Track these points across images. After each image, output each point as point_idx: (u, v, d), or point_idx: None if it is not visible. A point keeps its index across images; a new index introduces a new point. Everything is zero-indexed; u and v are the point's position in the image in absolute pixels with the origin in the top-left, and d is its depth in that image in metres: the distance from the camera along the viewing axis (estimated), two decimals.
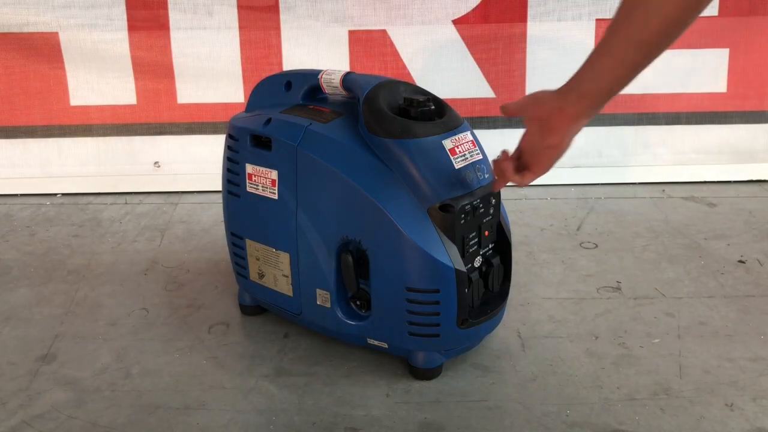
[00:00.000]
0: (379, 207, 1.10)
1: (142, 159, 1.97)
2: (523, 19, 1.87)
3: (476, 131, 1.20)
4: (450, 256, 1.10)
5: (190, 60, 1.89)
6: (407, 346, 1.17)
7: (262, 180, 1.22)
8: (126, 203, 1.91)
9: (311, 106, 1.24)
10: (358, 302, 1.19)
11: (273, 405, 1.14)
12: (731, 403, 1.12)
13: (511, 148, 1.06)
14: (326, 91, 1.25)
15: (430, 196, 1.10)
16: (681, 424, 1.09)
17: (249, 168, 1.24)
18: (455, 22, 1.87)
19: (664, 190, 1.93)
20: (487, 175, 1.15)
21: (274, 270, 1.26)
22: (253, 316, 1.37)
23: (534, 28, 1.88)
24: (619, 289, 1.46)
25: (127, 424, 1.11)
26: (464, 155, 1.14)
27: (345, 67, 1.89)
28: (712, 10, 1.86)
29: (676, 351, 1.25)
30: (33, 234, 1.74)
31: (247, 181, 1.24)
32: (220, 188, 1.32)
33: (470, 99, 1.92)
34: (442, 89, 1.31)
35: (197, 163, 1.96)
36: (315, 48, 1.89)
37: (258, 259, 1.28)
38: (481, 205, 1.13)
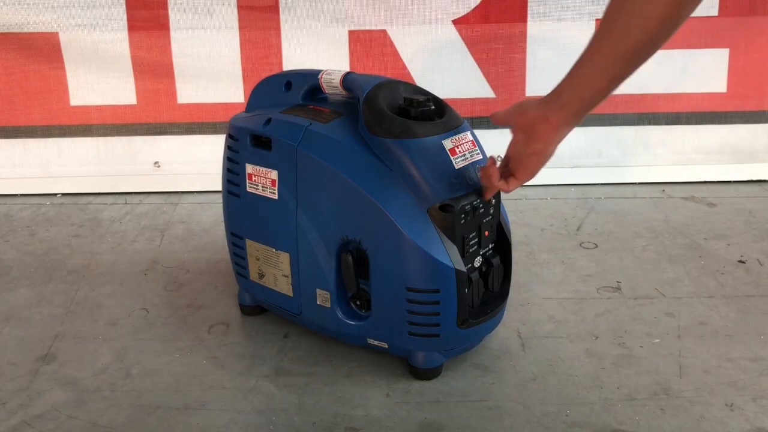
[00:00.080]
0: (379, 207, 1.10)
1: (142, 159, 1.97)
2: (523, 19, 1.87)
3: (476, 131, 1.20)
4: (450, 256, 1.10)
5: (190, 60, 1.89)
6: (407, 346, 1.17)
7: (262, 180, 1.22)
8: (126, 203, 1.91)
9: (311, 106, 1.24)
10: (358, 302, 1.19)
11: (273, 405, 1.14)
12: (731, 403, 1.12)
13: None
14: (326, 91, 1.25)
15: (430, 196, 1.10)
16: (681, 424, 1.09)
17: (249, 168, 1.24)
18: (455, 22, 1.87)
19: (664, 190, 1.93)
20: None
21: (274, 270, 1.26)
22: (253, 316, 1.37)
23: (534, 28, 1.88)
24: (619, 289, 1.46)
25: (127, 424, 1.11)
26: (464, 155, 1.14)
27: (345, 67, 1.89)
28: (712, 10, 1.86)
29: (676, 351, 1.25)
30: (33, 234, 1.74)
31: (247, 181, 1.24)
32: (220, 188, 1.32)
33: (470, 99, 1.92)
34: (442, 89, 1.30)
35: (197, 163, 1.96)
36: (315, 48, 1.89)
37: (258, 259, 1.28)
38: (481, 205, 1.13)
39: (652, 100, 1.94)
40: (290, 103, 1.26)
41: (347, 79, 1.20)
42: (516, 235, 1.45)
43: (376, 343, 1.19)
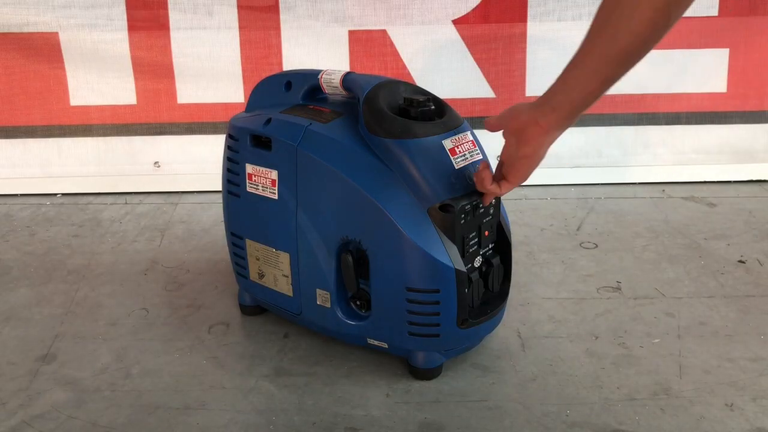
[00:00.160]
0: (379, 207, 1.10)
1: (142, 159, 1.97)
2: (523, 19, 1.87)
3: (476, 131, 1.20)
4: (450, 256, 1.10)
5: (190, 60, 1.89)
6: (407, 346, 1.17)
7: (262, 180, 1.22)
8: (126, 203, 1.91)
9: (311, 106, 1.24)
10: (358, 302, 1.19)
11: (273, 405, 1.14)
12: (731, 403, 1.12)
13: None
14: (326, 91, 1.25)
15: (430, 196, 1.10)
16: (681, 424, 1.09)
17: (249, 168, 1.24)
18: (455, 22, 1.87)
19: (664, 190, 1.93)
20: None
21: (274, 270, 1.26)
22: (253, 316, 1.37)
23: (534, 28, 1.88)
24: (619, 289, 1.46)
25: (127, 424, 1.11)
26: (464, 155, 1.14)
27: (345, 67, 1.89)
28: (712, 10, 1.86)
29: (676, 351, 1.25)
30: (33, 234, 1.74)
31: (247, 181, 1.24)
32: (220, 188, 1.32)
33: (470, 99, 1.92)
34: (442, 89, 1.30)
35: (197, 163, 1.96)
36: (315, 48, 1.89)
37: (258, 259, 1.28)
38: (481, 205, 1.13)
39: (652, 100, 1.94)
40: (290, 103, 1.26)
41: (347, 79, 1.20)
42: (516, 235, 1.45)
43: (376, 343, 1.19)
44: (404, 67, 1.89)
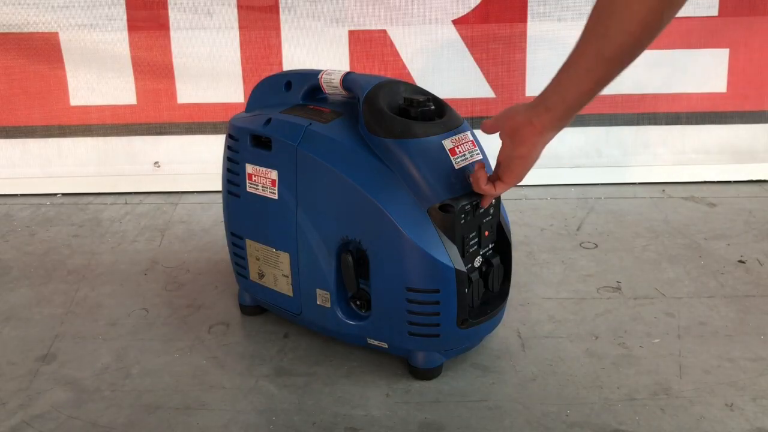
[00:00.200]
0: (379, 207, 1.10)
1: (142, 159, 1.97)
2: (523, 19, 1.87)
3: (476, 131, 1.20)
4: (450, 256, 1.10)
5: (190, 60, 1.89)
6: (407, 346, 1.17)
7: (262, 180, 1.22)
8: (126, 203, 1.91)
9: (311, 106, 1.24)
10: (358, 302, 1.19)
11: (273, 405, 1.14)
12: (731, 403, 1.12)
13: None
14: (326, 91, 1.25)
15: (430, 196, 1.10)
16: (681, 424, 1.09)
17: (249, 168, 1.24)
18: (455, 22, 1.87)
19: (664, 190, 1.93)
20: None
21: (274, 270, 1.26)
22: (253, 316, 1.37)
23: (534, 28, 1.88)
24: (619, 289, 1.46)
25: (127, 424, 1.11)
26: (464, 155, 1.14)
27: (345, 67, 1.89)
28: (711, 10, 1.86)
29: (676, 351, 1.25)
30: (33, 234, 1.74)
31: (247, 181, 1.24)
32: (220, 188, 1.32)
33: (470, 99, 1.92)
34: (442, 89, 1.31)
35: (197, 163, 1.95)
36: (315, 48, 1.89)
37: (258, 259, 1.28)
38: (480, 206, 1.13)
39: (652, 100, 1.94)
40: (290, 103, 1.26)
41: (347, 79, 1.20)
42: (516, 235, 1.45)
43: (376, 343, 1.19)
44: (404, 67, 1.90)
